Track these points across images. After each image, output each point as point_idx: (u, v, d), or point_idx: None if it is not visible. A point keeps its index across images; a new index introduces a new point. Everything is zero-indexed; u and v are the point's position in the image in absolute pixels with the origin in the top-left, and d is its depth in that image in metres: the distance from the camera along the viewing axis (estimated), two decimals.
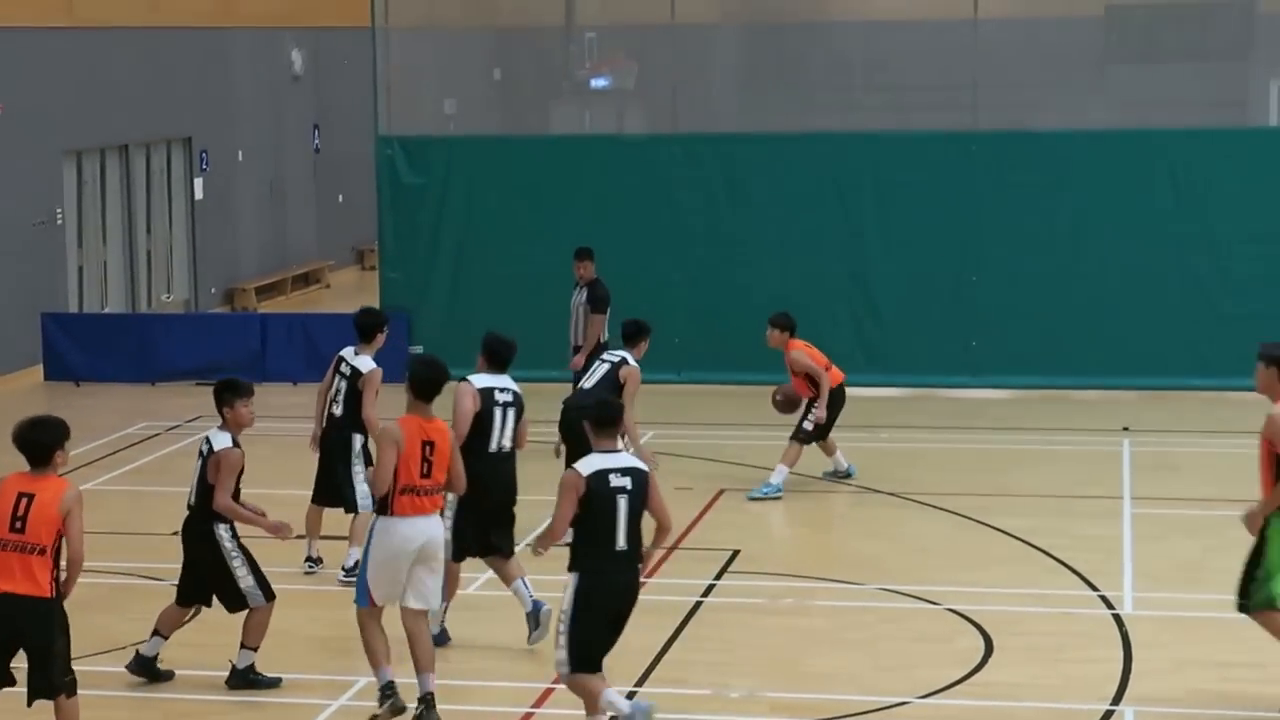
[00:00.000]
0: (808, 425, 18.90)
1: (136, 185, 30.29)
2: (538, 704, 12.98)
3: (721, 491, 19.09)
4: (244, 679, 13.26)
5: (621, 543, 11.61)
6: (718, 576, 16.03)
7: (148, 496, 19.49)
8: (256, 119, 34.16)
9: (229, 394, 13.35)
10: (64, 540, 11.12)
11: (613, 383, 16.88)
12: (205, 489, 13.24)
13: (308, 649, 14.13)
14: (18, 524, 11.03)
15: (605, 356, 17.38)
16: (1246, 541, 16.79)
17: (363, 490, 15.57)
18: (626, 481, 11.55)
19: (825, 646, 14.29)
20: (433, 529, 12.41)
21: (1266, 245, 24.15)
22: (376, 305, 19.19)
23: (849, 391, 19.48)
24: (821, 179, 24.93)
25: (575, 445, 15.63)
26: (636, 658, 13.70)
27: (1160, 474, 19.93)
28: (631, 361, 17.02)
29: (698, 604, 15.24)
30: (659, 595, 15.37)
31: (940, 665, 13.68)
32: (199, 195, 31.85)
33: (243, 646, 13.30)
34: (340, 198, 37.05)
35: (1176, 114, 26.23)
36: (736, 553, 16.67)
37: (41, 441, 11.23)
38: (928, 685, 13.24)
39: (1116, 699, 13.00)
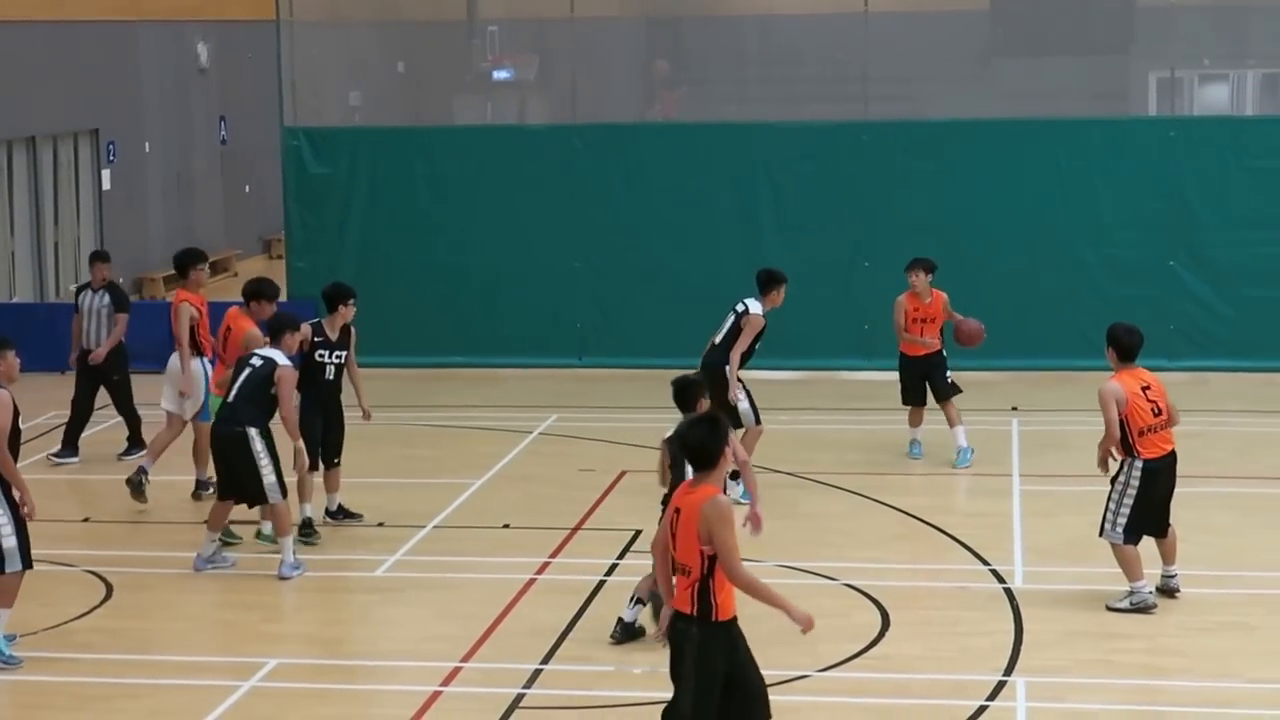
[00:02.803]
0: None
1: (44, 177, 30.26)
2: (445, 682, 13.11)
3: (623, 473, 19.19)
4: None
5: None
6: (620, 556, 16.16)
7: (58, 483, 19.51)
8: (163, 111, 34.13)
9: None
10: None
11: (737, 332, 17.98)
12: None
13: (218, 632, 14.27)
14: None
15: (736, 306, 18.22)
16: None
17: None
18: None
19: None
20: None
21: (1146, 231, 24.48)
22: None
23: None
24: (718, 168, 25.12)
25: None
26: (541, 636, 13.92)
27: (1048, 452, 20.18)
28: (754, 310, 17.95)
29: (601, 583, 15.38)
30: (563, 575, 15.68)
31: (838, 640, 13.81)
32: (106, 186, 31.82)
33: None
34: (247, 188, 37.03)
35: (1060, 105, 26.57)
36: (639, 533, 16.74)
37: None
38: (826, 659, 13.41)
39: (1008, 670, 13.23)
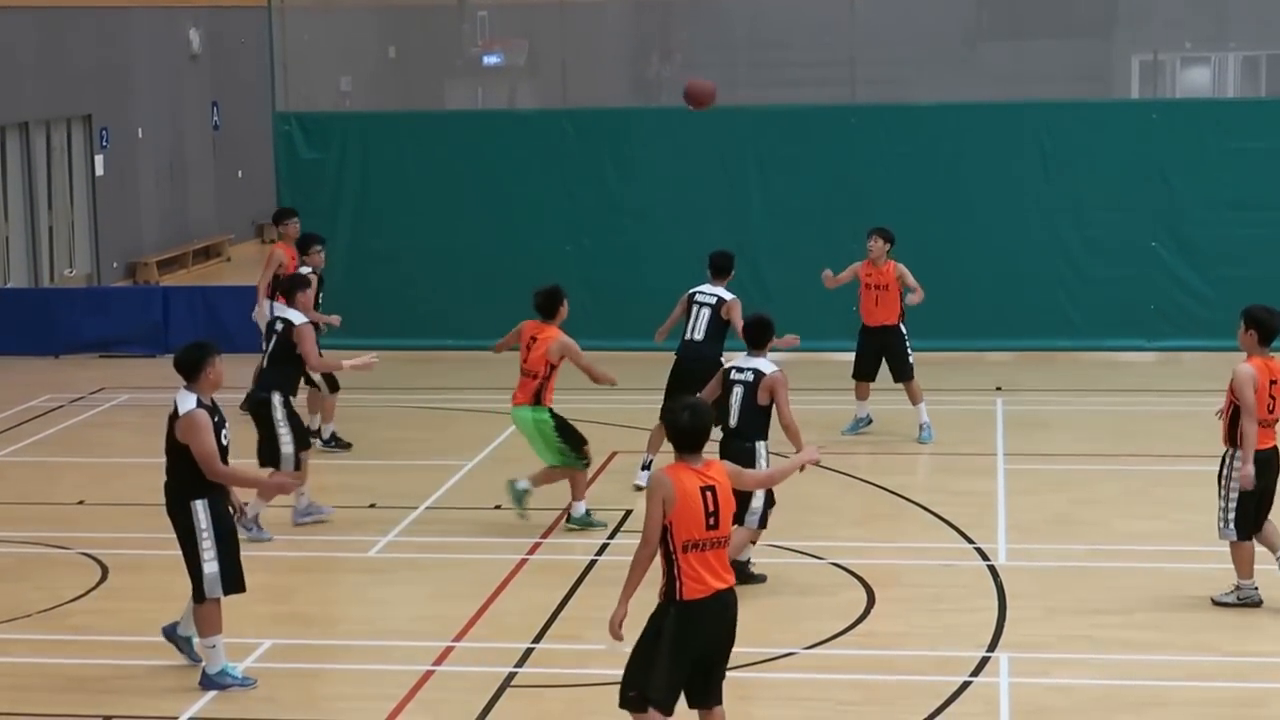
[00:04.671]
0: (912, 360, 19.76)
1: (37, 162, 30.34)
2: (438, 662, 13.18)
3: (614, 454, 19.32)
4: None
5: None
6: (611, 536, 16.26)
7: (52, 467, 19.58)
8: (156, 97, 34.20)
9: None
10: None
11: (719, 321, 17.83)
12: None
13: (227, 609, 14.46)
14: None
15: (697, 298, 18.11)
16: (1113, 494, 17.61)
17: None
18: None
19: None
20: None
21: (1128, 212, 24.63)
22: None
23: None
24: (706, 151, 25.22)
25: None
26: (534, 615, 14.04)
27: (1031, 431, 20.30)
28: (728, 295, 17.87)
29: (592, 563, 15.47)
30: (555, 555, 15.79)
31: (825, 617, 13.93)
32: (100, 172, 31.91)
33: None
34: (239, 173, 37.12)
35: (1043, 88, 26.71)
36: (629, 512, 16.90)
37: None
38: (813, 636, 13.51)
39: (992, 646, 13.31)
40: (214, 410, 12.49)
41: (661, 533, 10.10)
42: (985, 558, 15.59)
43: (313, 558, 15.94)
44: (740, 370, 14.77)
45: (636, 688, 10.25)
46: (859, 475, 18.54)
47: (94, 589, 15.04)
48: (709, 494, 10.13)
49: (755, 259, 24.61)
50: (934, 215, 24.66)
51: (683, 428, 10.20)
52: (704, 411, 10.30)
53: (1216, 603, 14.14)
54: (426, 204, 25.51)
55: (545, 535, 16.45)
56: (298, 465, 16.22)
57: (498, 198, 25.42)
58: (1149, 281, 24.65)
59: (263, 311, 20.28)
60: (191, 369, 12.44)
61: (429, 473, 18.68)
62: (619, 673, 12.55)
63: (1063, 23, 28.46)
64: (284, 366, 16.70)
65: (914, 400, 19.85)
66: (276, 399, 16.33)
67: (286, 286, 17.52)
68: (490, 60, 31.07)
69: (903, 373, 19.80)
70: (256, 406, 16.41)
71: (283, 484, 13.99)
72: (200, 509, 12.43)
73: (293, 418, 16.37)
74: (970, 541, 16.09)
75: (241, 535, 13.38)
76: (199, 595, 12.53)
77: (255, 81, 31.10)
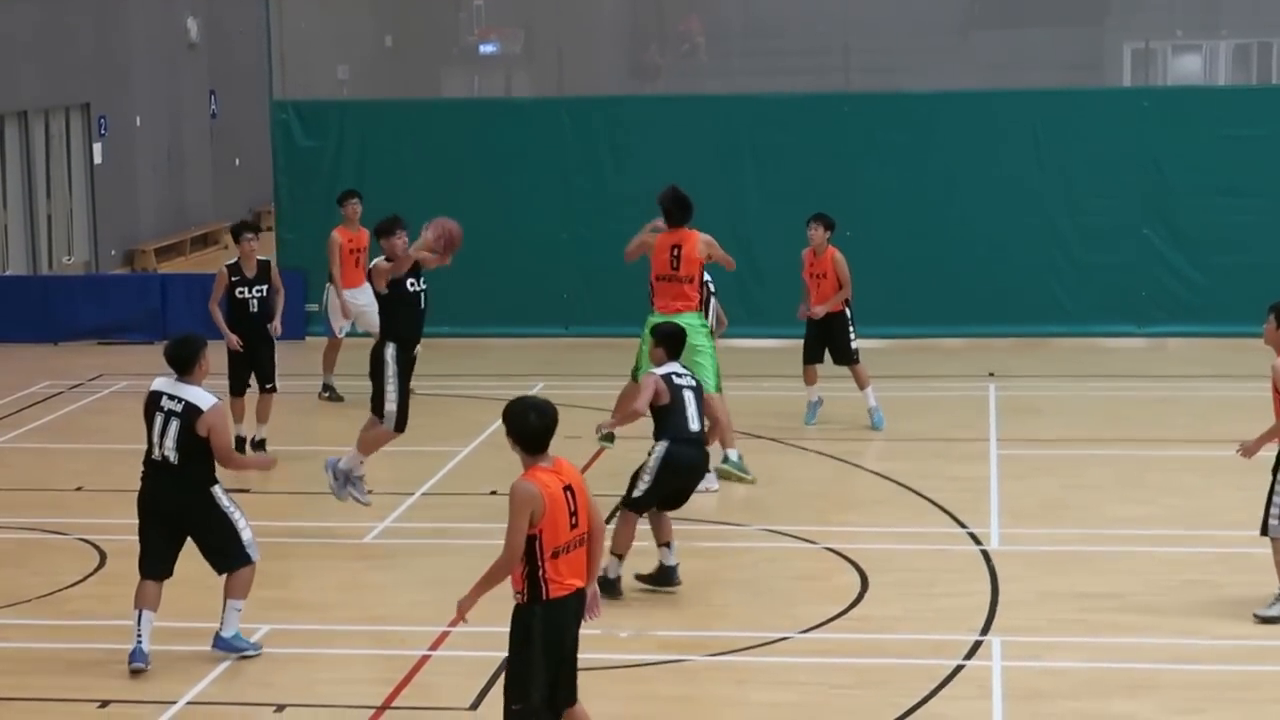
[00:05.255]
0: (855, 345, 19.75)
1: (36, 151, 30.34)
2: (433, 647, 13.21)
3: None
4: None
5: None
6: (607, 521, 15.93)
7: (51, 453, 19.61)
8: (154, 85, 34.20)
9: None
10: None
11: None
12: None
13: (211, 598, 14.30)
14: None
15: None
16: (1105, 479, 17.67)
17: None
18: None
19: (710, 586, 14.50)
20: None
21: (1120, 199, 24.71)
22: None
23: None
24: (702, 139, 25.27)
25: None
26: None
27: (1023, 417, 20.35)
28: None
29: None
30: None
31: (819, 601, 13.97)
32: (98, 160, 31.91)
33: None
34: (237, 161, 37.17)
35: (1036, 76, 26.78)
36: None
37: None
38: (807, 621, 13.53)
39: (984, 629, 13.34)
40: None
41: (527, 542, 9.87)
42: (978, 542, 15.62)
43: (309, 544, 15.90)
44: (679, 375, 14.64)
45: (521, 700, 10.03)
46: (852, 460, 18.56)
47: (92, 574, 15.03)
48: (569, 494, 9.97)
49: (751, 246, 24.58)
50: (927, 203, 24.72)
51: (533, 429, 9.96)
52: (550, 411, 10.07)
53: (1262, 618, 13.55)
54: (423, 192, 25.44)
55: None
56: (396, 427, 16.25)
57: (494, 186, 25.45)
58: (1140, 268, 24.72)
59: (336, 303, 21.60)
60: (186, 363, 12.67)
61: (425, 459, 18.70)
62: (613, 656, 12.67)
63: (1055, 11, 28.46)
64: (386, 318, 16.38)
65: (860, 385, 19.85)
66: (389, 352, 16.23)
67: (381, 229, 16.94)
68: (486, 49, 31.07)
69: (845, 356, 19.80)
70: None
71: (262, 461, 14.89)
72: (219, 491, 12.75)
73: (402, 370, 16.21)
74: (963, 526, 16.13)
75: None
76: (243, 560, 12.82)
77: (253, 70, 31.14)
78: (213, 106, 36.65)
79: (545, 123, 25.68)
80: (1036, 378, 22.51)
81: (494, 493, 17.28)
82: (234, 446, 13.00)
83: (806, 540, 15.70)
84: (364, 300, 20.53)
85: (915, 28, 27.84)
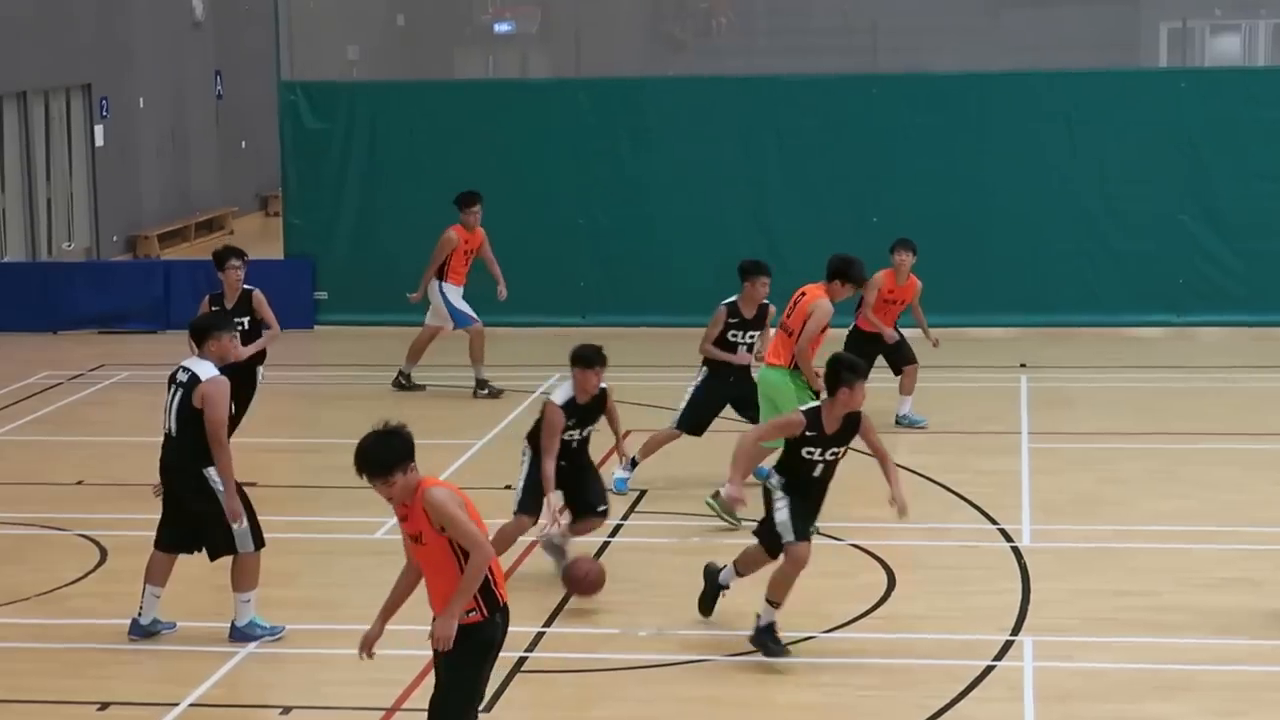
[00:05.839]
0: None
1: (35, 133, 30.14)
2: None
3: (627, 433, 19.09)
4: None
5: None
6: (625, 517, 16.14)
7: (51, 446, 19.48)
8: (157, 66, 34.05)
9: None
10: None
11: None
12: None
13: (215, 596, 14.03)
14: None
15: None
16: (1139, 473, 17.37)
17: None
18: None
19: (732, 584, 14.25)
20: None
21: (1155, 185, 24.52)
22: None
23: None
24: (724, 122, 25.10)
25: None
26: (546, 598, 13.86)
27: (1056, 409, 20.25)
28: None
29: (605, 544, 15.31)
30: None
31: (844, 600, 13.84)
32: (100, 142, 31.72)
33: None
34: (243, 144, 37.02)
35: (1069, 56, 26.60)
36: (644, 493, 16.80)
37: None
38: (833, 619, 13.41)
39: (1015, 629, 13.20)
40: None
41: (453, 544, 9.73)
42: (1009, 539, 15.47)
43: (318, 539, 15.81)
44: None
45: (478, 707, 10.04)
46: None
47: (92, 571, 14.93)
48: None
49: (773, 231, 24.53)
50: (956, 187, 24.68)
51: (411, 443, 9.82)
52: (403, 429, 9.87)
53: None
54: (435, 176, 25.27)
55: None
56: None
57: (509, 170, 25.27)
58: (1177, 255, 24.61)
59: (423, 295, 21.28)
60: (201, 335, 12.98)
61: (439, 452, 18.40)
62: (632, 655, 12.41)
63: None
64: None
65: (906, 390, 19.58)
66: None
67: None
68: (501, 28, 30.90)
69: (907, 358, 19.47)
70: None
71: (234, 511, 13.12)
72: (214, 474, 12.83)
73: None
74: (993, 522, 15.97)
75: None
76: (227, 548, 12.95)
77: (260, 50, 30.82)
78: (218, 88, 36.46)
79: (562, 105, 25.52)
80: (1069, 368, 22.41)
81: (508, 487, 16.91)
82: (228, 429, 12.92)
83: (831, 537, 15.46)
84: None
85: (944, 7, 27.73)
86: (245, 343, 17.07)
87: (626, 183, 25.21)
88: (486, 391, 21.18)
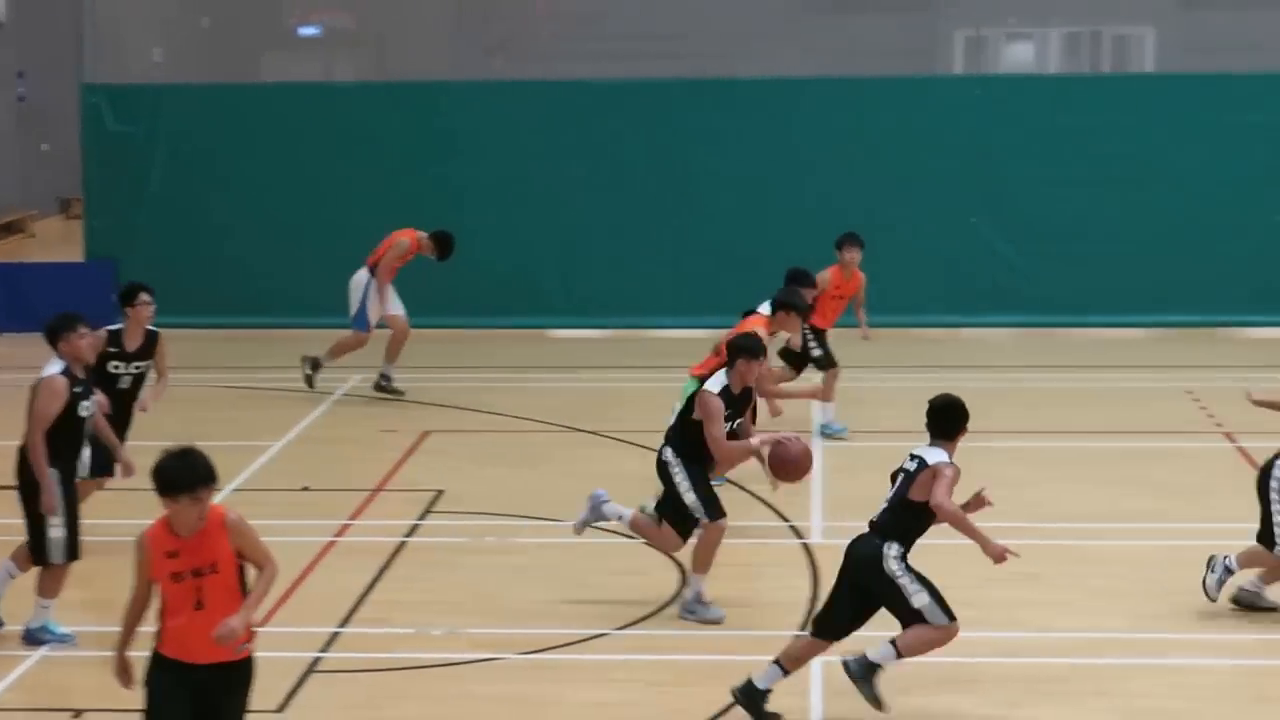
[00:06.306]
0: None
1: None
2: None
3: (426, 434, 19.17)
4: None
5: None
6: (421, 517, 16.11)
7: None
8: None
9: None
10: None
11: None
12: None
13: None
14: None
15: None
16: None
17: None
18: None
19: (526, 583, 14.37)
20: None
21: (949, 188, 24.87)
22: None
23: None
24: (530, 127, 25.21)
25: None
26: (340, 599, 13.85)
27: (846, 407, 19.92)
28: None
29: (401, 544, 15.31)
30: (362, 537, 15.60)
31: (638, 597, 13.90)
32: None
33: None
34: (45, 146, 36.56)
35: (868, 63, 26.90)
36: (440, 493, 16.78)
37: None
38: (626, 617, 13.48)
39: (803, 625, 13.19)
40: (78, 382, 12.83)
41: (240, 568, 9.40)
42: (799, 535, 15.57)
43: (113, 542, 15.40)
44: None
45: None
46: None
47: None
48: None
49: (572, 235, 24.77)
50: (762, 190, 24.65)
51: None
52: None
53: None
54: (239, 179, 25.22)
55: (354, 516, 16.21)
56: None
57: (312, 173, 25.14)
58: (969, 258, 25.05)
59: (375, 298, 21.13)
60: (51, 335, 12.85)
61: (235, 454, 18.29)
62: (426, 655, 12.43)
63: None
64: None
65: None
66: None
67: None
68: (306, 31, 30.75)
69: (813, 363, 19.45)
70: None
71: (50, 505, 12.90)
72: (51, 478, 12.72)
73: None
74: (785, 520, 16.06)
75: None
76: (40, 559, 12.90)
77: (64, 52, 30.45)
78: (20, 89, 35.90)
79: (368, 108, 25.47)
80: (859, 368, 22.08)
81: (305, 489, 17.02)
82: (47, 425, 12.59)
83: (626, 536, 15.14)
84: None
85: (744, 12, 27.95)
86: (135, 385, 15.57)
87: (431, 187, 25.07)
88: (386, 387, 21.16)
